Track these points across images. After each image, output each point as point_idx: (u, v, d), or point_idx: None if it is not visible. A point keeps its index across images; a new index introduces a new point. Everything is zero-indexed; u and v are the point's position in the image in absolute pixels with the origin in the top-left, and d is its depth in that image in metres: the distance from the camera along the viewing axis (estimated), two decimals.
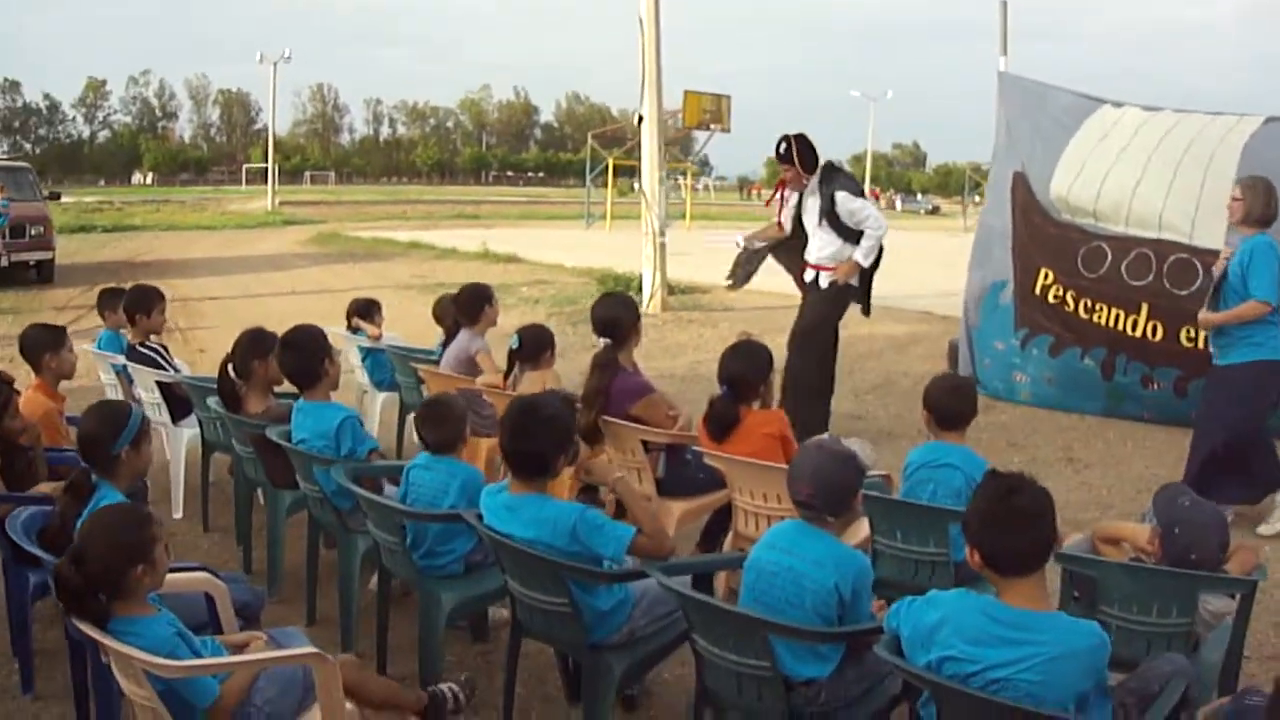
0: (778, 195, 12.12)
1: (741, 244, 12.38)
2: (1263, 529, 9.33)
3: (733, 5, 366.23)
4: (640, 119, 21.62)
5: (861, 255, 11.23)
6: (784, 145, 11.56)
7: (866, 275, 11.62)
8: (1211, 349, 9.44)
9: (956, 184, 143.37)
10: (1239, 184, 9.31)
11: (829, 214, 11.27)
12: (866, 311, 12.11)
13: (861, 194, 11.58)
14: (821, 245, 11.43)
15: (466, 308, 9.44)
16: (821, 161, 11.61)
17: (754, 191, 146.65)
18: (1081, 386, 13.21)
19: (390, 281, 26.83)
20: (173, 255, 35.75)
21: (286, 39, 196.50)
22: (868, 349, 17.53)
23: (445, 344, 9.62)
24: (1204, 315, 9.19)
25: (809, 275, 11.69)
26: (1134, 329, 12.63)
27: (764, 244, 12.07)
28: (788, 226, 11.85)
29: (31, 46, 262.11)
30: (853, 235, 11.26)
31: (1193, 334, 12.11)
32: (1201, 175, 12.55)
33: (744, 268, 12.47)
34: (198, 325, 19.85)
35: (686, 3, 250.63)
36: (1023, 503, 3.95)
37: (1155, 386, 12.59)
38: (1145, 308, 12.56)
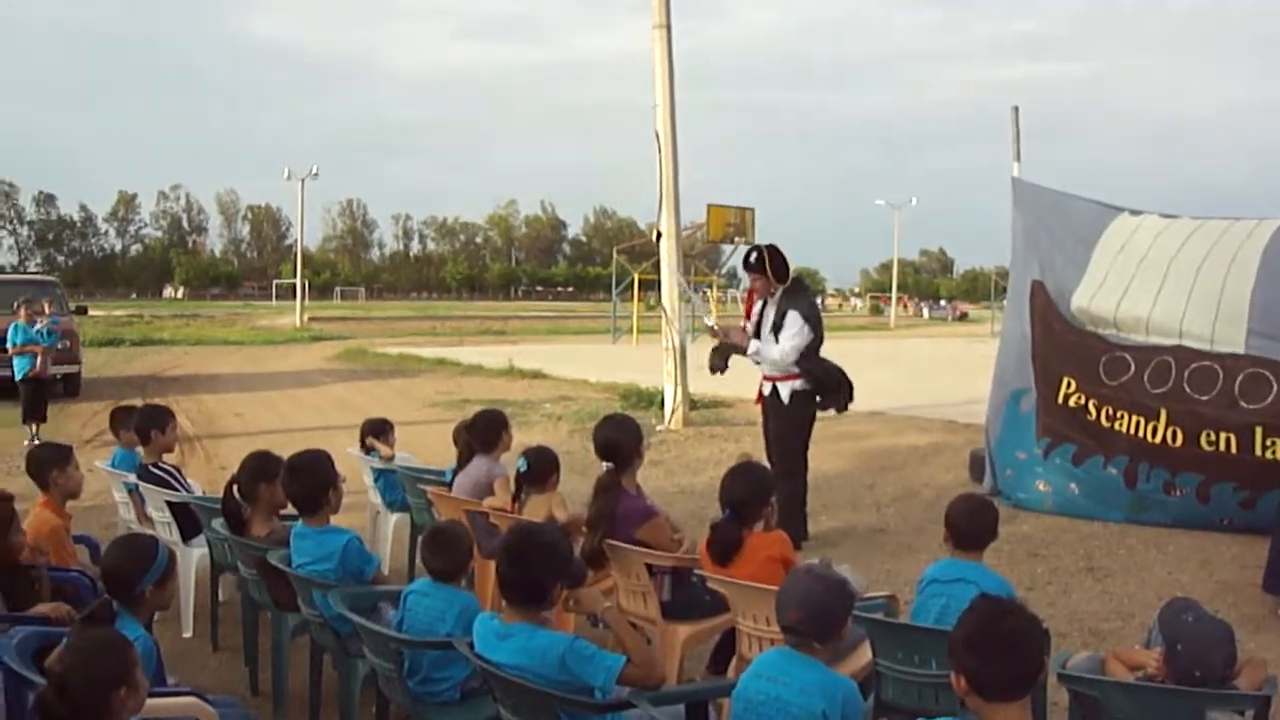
0: (753, 305, 12.26)
1: (715, 328, 12.63)
2: None
3: (754, 117, 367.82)
4: (659, 235, 21.65)
5: (753, 347, 11.80)
6: (754, 254, 11.88)
7: (824, 383, 11.87)
8: None
9: (984, 289, 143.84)
10: None
11: (777, 328, 11.62)
12: (842, 408, 12.16)
13: (814, 318, 11.77)
14: (754, 346, 11.77)
15: (482, 434, 9.38)
16: (792, 274, 11.92)
17: None
18: (1105, 495, 13.06)
19: (414, 398, 26.87)
20: (199, 370, 35.96)
21: (314, 153, 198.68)
22: (890, 460, 17.49)
23: (458, 468, 9.59)
24: None
25: (766, 388, 12.01)
26: (1154, 435, 12.59)
27: (731, 342, 12.16)
28: (750, 331, 12.04)
29: (65, 159, 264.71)
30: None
31: (1213, 437, 12.17)
32: (1221, 281, 12.59)
33: (719, 357, 12.51)
34: (220, 440, 19.85)
35: (707, 116, 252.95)
36: (1011, 627, 3.85)
37: (1178, 493, 12.48)
38: (1164, 414, 12.53)
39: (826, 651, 4.77)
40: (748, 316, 12.23)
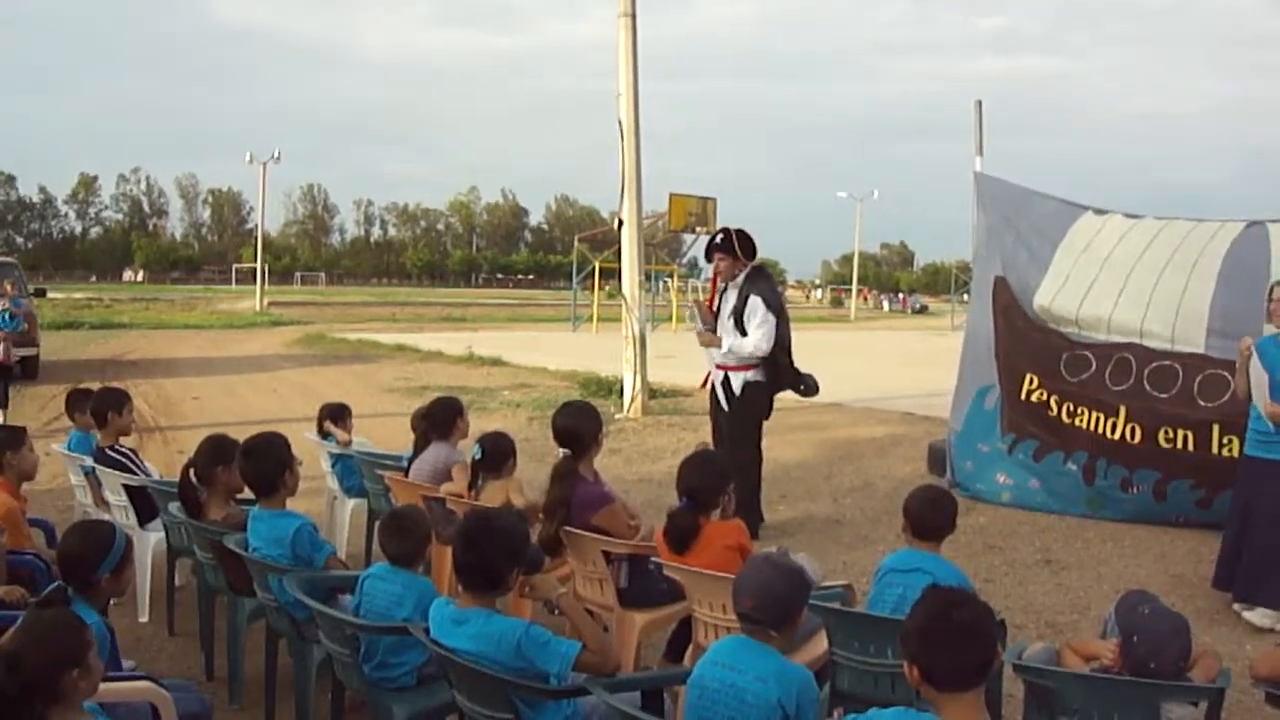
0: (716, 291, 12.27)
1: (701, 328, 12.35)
2: (1253, 616, 9.23)
3: (717, 107, 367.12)
4: (621, 223, 21.64)
5: (731, 342, 11.67)
6: (721, 235, 11.93)
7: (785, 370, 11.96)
8: (1253, 443, 9.40)
9: (944, 282, 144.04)
10: (1276, 285, 9.36)
11: (739, 313, 11.60)
12: (808, 393, 12.26)
13: (776, 305, 11.78)
14: (726, 344, 11.73)
15: (439, 420, 9.40)
16: (756, 260, 11.94)
17: None
18: (1064, 491, 13.10)
19: (373, 384, 26.81)
20: (158, 354, 35.82)
21: (276, 138, 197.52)
22: (847, 451, 17.53)
23: (415, 454, 9.58)
24: (1273, 407, 9.12)
25: (718, 376, 12.02)
26: (1113, 431, 12.61)
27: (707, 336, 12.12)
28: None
29: (25, 140, 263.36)
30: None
31: (1171, 435, 12.18)
32: (1184, 282, 12.60)
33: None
34: (179, 425, 19.75)
35: (671, 105, 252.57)
36: (963, 618, 3.85)
37: (1134, 490, 12.52)
38: (1124, 410, 12.54)
39: (782, 640, 4.76)
40: (712, 304, 12.24)
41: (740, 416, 11.88)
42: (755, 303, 11.52)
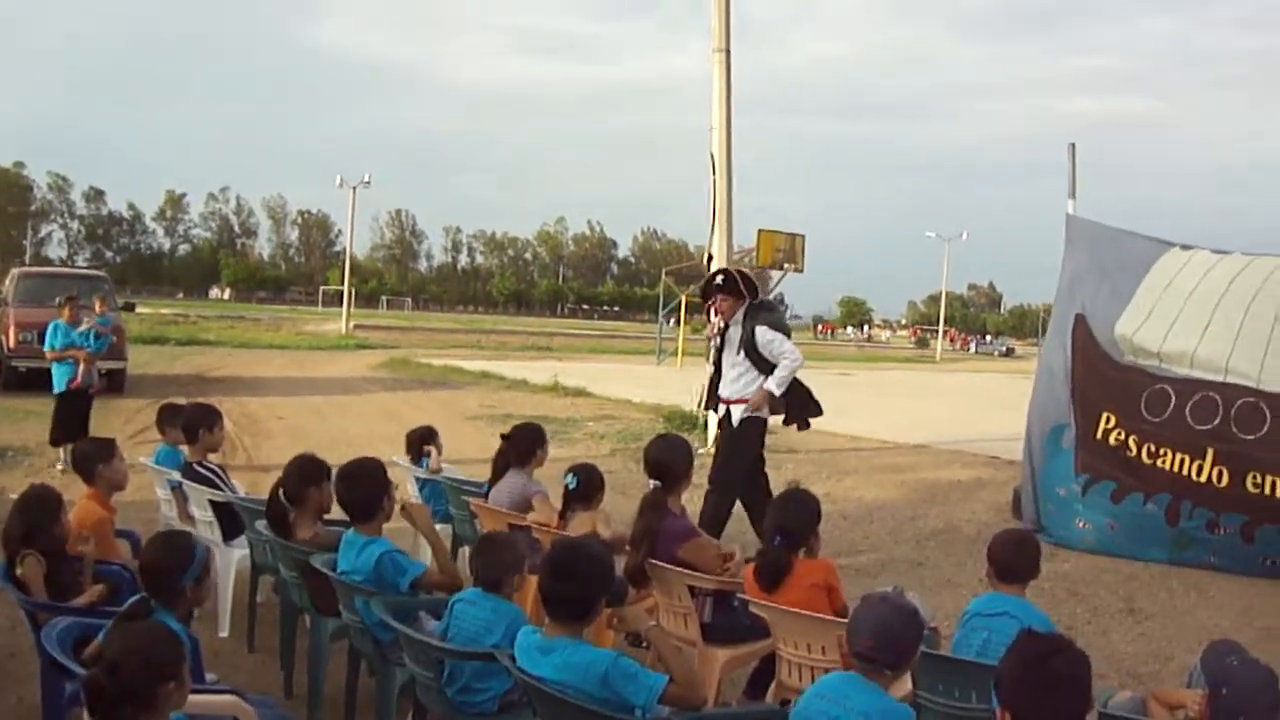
0: (713, 320, 12.43)
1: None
2: None
3: (807, 144, 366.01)
4: (710, 257, 21.55)
5: (774, 385, 11.67)
6: (723, 276, 12.11)
7: (795, 402, 12.06)
8: None
9: (1031, 325, 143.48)
10: None
11: (748, 344, 11.69)
12: (803, 426, 12.38)
13: (784, 330, 11.98)
14: (736, 377, 11.90)
15: (519, 446, 9.36)
16: (757, 299, 12.11)
17: (828, 331, 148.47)
18: (1145, 533, 12.97)
19: (458, 411, 26.77)
20: (244, 372, 35.97)
21: (365, 162, 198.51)
22: (932, 493, 17.47)
23: (492, 480, 9.52)
24: None
25: (721, 410, 12.21)
26: (1199, 474, 12.51)
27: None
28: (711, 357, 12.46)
29: (114, 155, 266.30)
30: (768, 367, 11.72)
31: (1259, 480, 12.08)
32: (1272, 319, 12.50)
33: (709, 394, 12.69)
34: (263, 443, 19.90)
35: (761, 141, 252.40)
36: (1060, 666, 3.83)
37: (1221, 531, 12.39)
38: (1211, 453, 12.44)
39: (894, 678, 4.77)
40: (711, 338, 12.53)
41: (731, 444, 12.06)
42: (765, 333, 11.69)
